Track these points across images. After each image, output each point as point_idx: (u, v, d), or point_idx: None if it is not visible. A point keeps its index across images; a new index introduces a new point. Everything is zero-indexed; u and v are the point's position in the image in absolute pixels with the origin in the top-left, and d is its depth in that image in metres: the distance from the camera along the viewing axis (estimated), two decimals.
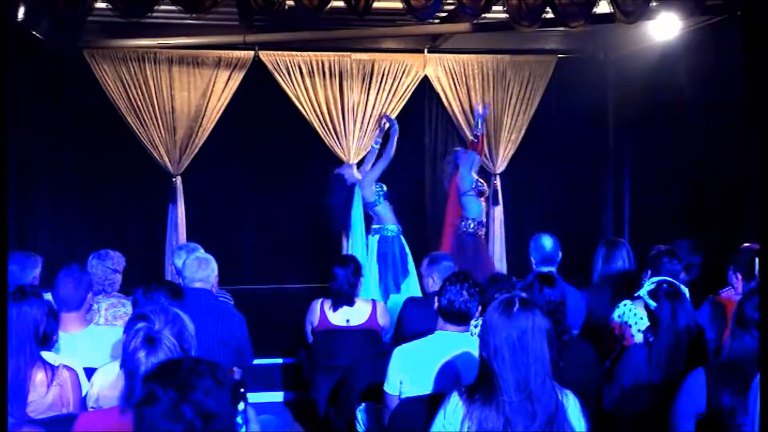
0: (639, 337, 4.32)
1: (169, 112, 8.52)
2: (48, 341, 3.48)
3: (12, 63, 6.81)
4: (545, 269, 5.19)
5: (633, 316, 4.50)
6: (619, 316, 4.58)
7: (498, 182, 9.11)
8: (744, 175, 6.24)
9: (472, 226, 7.55)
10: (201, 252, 5.17)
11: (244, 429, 2.43)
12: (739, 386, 2.89)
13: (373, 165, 7.48)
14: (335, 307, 5.22)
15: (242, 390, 2.32)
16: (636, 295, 4.57)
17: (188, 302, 4.14)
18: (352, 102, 8.81)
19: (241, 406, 2.30)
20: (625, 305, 4.59)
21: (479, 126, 8.08)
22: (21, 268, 4.85)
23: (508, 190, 9.21)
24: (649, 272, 4.87)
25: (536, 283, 4.03)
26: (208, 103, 8.56)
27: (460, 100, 9.07)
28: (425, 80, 9.01)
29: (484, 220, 7.85)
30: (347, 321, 5.22)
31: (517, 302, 2.75)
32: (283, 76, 8.64)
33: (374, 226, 7.40)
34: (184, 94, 8.57)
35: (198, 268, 4.76)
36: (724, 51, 6.56)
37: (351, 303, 5.21)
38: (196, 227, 8.55)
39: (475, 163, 7.71)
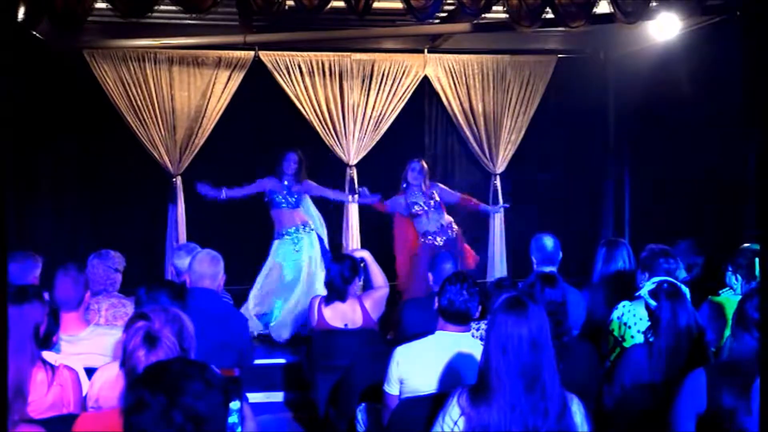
0: (639, 338, 4.32)
1: (170, 112, 8.53)
2: (48, 341, 3.47)
3: (12, 63, 6.81)
4: (546, 269, 5.19)
5: (632, 317, 4.50)
6: (618, 317, 4.57)
7: (498, 183, 9.12)
8: (744, 175, 6.25)
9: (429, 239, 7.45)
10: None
11: (239, 430, 2.41)
12: (739, 386, 2.89)
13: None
14: (327, 302, 5.23)
15: (237, 386, 2.28)
16: (636, 294, 4.56)
17: (192, 302, 4.14)
18: (352, 102, 8.82)
19: (236, 404, 2.28)
20: (623, 306, 4.58)
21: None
22: (21, 269, 4.85)
23: (508, 191, 9.21)
24: (646, 274, 4.83)
25: (538, 284, 4.04)
26: (208, 103, 8.57)
27: (460, 100, 9.07)
28: (425, 80, 9.02)
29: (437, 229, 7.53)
30: (345, 325, 5.21)
31: (527, 300, 2.75)
32: (283, 76, 8.65)
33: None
34: (184, 94, 8.58)
35: (210, 263, 4.71)
36: (724, 51, 6.56)
37: (343, 299, 5.21)
38: (196, 227, 8.55)
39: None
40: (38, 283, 4.80)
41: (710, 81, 6.85)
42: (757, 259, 4.55)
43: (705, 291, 4.91)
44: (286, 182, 7.28)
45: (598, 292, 5.35)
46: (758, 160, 4.53)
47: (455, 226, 7.50)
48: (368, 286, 5.65)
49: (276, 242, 7.32)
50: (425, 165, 7.49)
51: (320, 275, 7.04)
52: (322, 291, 6.97)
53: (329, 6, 5.61)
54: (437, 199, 7.42)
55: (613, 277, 5.41)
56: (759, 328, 3.04)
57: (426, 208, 7.37)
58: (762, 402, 2.56)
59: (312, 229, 7.38)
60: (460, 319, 3.77)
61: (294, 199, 7.32)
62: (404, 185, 7.45)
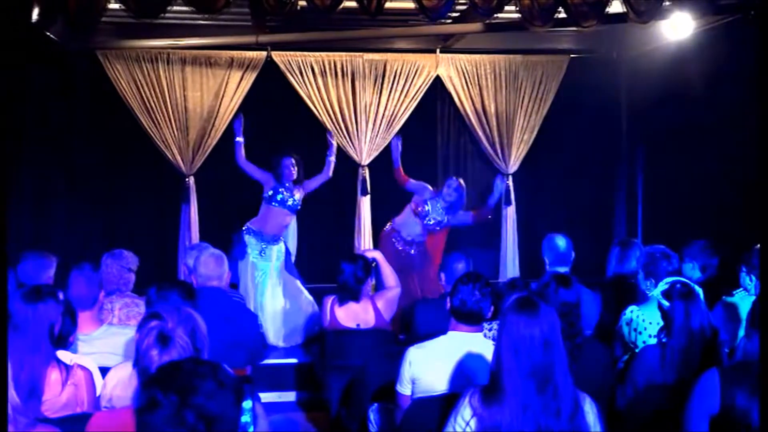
0: (651, 343, 4.30)
1: (182, 112, 8.56)
2: (64, 341, 3.48)
3: (26, 64, 6.86)
4: (559, 269, 5.17)
5: (642, 322, 4.47)
6: (627, 323, 4.55)
7: (510, 182, 9.11)
8: (758, 175, 6.20)
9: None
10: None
11: (252, 429, 2.41)
12: (753, 387, 2.88)
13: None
14: (341, 303, 5.24)
15: (249, 385, 2.28)
16: (649, 296, 4.54)
17: (202, 301, 4.15)
18: (364, 102, 8.82)
19: (248, 404, 2.28)
20: (632, 311, 4.55)
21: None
22: (35, 268, 4.88)
23: (521, 191, 9.20)
24: (651, 280, 4.78)
25: (552, 284, 4.02)
26: (220, 104, 8.60)
27: (472, 100, 9.06)
28: (437, 80, 9.01)
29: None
30: (357, 325, 5.22)
31: (538, 300, 2.75)
32: (295, 77, 8.67)
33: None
34: (196, 95, 8.61)
35: (215, 264, 4.74)
36: (737, 51, 6.53)
37: (357, 299, 5.23)
38: (209, 227, 8.58)
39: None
40: (52, 283, 4.83)
41: (724, 81, 6.82)
42: None
43: (719, 292, 4.89)
44: (287, 185, 7.12)
45: (610, 293, 5.33)
46: (759, 159, 4.49)
47: (427, 249, 7.44)
48: (380, 286, 5.65)
49: (246, 237, 7.12)
50: (463, 185, 7.31)
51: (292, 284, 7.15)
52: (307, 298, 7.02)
53: (341, 6, 5.62)
54: (443, 219, 7.32)
55: (625, 278, 5.40)
56: (759, 327, 3.03)
57: (428, 216, 7.31)
58: (762, 402, 2.55)
59: (282, 241, 7.28)
60: (473, 320, 3.77)
61: (294, 203, 7.15)
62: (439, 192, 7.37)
